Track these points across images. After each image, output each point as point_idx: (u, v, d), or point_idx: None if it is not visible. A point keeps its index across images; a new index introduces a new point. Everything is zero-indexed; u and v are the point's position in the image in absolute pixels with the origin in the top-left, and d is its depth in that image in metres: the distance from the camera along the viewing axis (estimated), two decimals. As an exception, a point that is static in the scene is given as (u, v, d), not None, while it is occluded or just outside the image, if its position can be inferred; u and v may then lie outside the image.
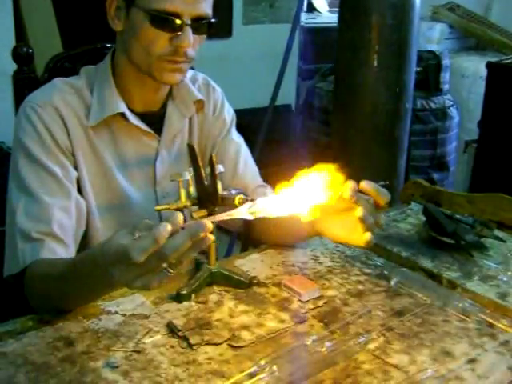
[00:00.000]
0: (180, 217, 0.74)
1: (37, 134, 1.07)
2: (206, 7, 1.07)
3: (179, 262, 0.75)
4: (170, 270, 0.75)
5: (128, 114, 1.14)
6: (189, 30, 1.05)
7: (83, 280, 0.86)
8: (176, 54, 1.07)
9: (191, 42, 1.06)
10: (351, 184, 0.94)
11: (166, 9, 1.03)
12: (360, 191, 0.95)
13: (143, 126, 1.16)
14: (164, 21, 1.04)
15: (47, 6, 2.74)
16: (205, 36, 1.11)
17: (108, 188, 1.14)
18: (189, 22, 1.05)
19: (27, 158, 1.07)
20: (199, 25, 1.07)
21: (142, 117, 1.17)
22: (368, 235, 0.96)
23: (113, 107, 1.12)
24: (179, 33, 1.05)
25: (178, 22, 1.04)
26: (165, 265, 0.74)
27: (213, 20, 1.09)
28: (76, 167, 1.11)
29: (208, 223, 0.73)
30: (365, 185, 0.96)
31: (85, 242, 1.11)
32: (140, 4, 1.05)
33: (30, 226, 1.01)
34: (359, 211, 0.94)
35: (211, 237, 0.75)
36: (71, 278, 0.89)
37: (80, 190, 1.10)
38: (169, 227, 0.71)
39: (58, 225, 1.03)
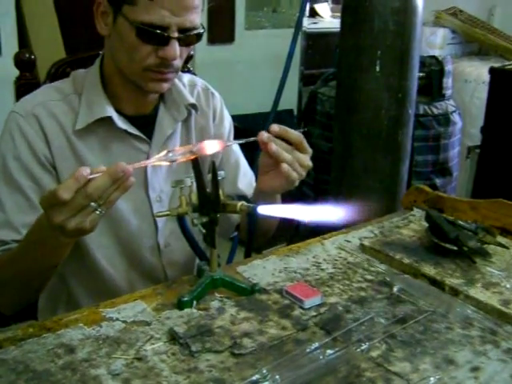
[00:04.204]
0: (101, 167, 0.85)
1: (14, 146, 1.09)
2: (194, 19, 1.04)
3: (108, 202, 0.85)
4: (99, 210, 0.85)
5: (115, 117, 1.12)
6: (175, 43, 1.03)
7: (34, 242, 0.96)
8: (162, 66, 1.06)
9: (177, 55, 1.05)
10: (263, 132, 1.02)
11: (152, 22, 1.01)
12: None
13: (131, 130, 1.15)
14: (150, 34, 1.02)
15: (50, 12, 2.75)
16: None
17: None
18: (176, 35, 1.03)
19: (2, 170, 1.09)
20: (186, 36, 1.05)
21: (134, 120, 1.16)
22: (284, 166, 1.02)
23: (100, 111, 1.11)
24: (165, 46, 1.03)
25: (164, 35, 1.02)
26: (93, 204, 0.84)
27: (202, 31, 1.07)
28: (59, 178, 1.11)
29: (127, 167, 0.84)
30: (273, 127, 1.02)
31: (76, 253, 1.10)
32: (126, 15, 1.02)
33: None
34: (270, 147, 1.01)
35: (132, 179, 0.84)
36: (24, 248, 0.99)
37: None
38: (87, 169, 0.83)
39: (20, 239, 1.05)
